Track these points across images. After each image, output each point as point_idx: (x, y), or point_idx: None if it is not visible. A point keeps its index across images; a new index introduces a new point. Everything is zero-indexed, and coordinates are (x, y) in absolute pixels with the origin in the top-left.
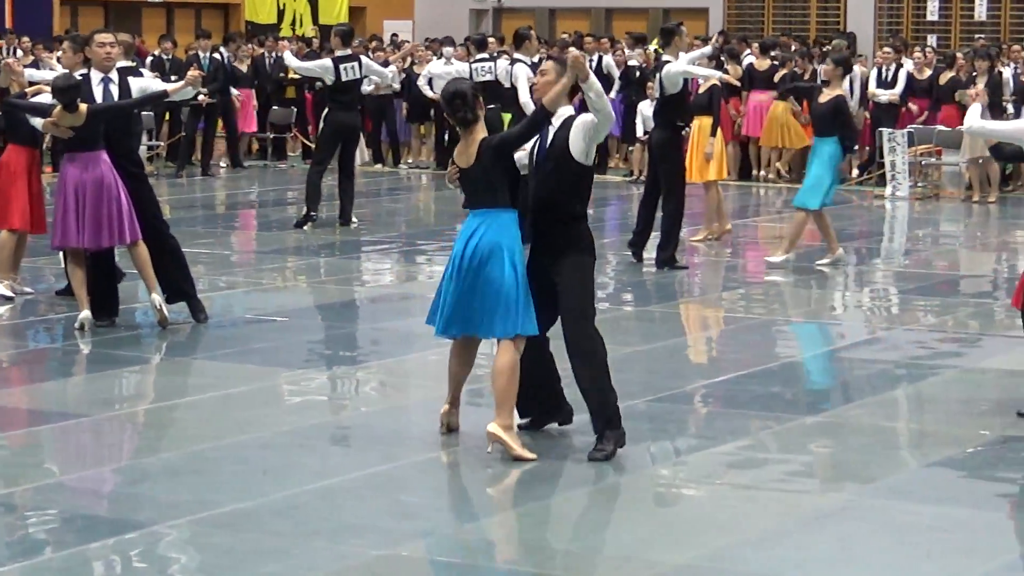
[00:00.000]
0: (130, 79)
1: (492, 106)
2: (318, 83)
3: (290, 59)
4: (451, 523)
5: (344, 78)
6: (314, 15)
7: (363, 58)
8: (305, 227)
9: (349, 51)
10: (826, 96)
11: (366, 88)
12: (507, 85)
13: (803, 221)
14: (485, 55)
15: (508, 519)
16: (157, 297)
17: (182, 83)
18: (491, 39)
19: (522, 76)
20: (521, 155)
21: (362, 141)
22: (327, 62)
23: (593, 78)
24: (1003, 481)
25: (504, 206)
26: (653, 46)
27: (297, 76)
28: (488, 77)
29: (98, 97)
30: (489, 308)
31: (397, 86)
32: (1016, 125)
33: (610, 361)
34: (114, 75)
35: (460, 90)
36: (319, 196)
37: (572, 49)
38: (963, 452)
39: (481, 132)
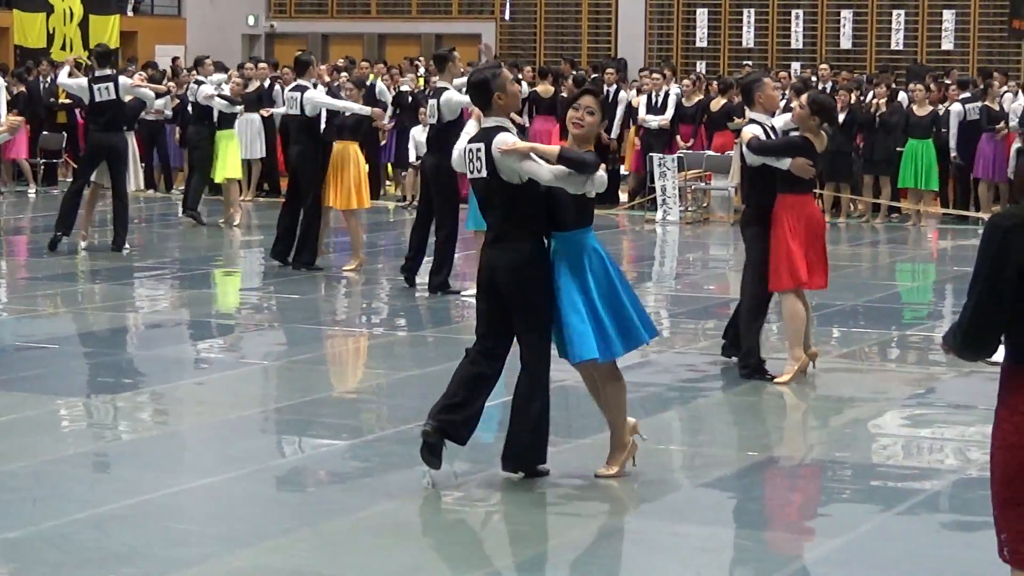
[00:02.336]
0: None
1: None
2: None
3: (61, 75)
4: (224, 550)
5: (97, 98)
6: (84, 39)
7: (121, 79)
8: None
9: (108, 71)
10: None
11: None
12: (295, 111)
13: None
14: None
15: (282, 545)
16: None
17: (3, 128)
18: (263, 65)
19: (319, 96)
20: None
21: (137, 165)
22: (83, 81)
23: None
24: (770, 501)
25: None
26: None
27: (68, 100)
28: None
29: None
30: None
31: (169, 112)
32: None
33: (383, 385)
34: None
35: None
36: (70, 217)
37: None
38: (732, 473)
39: None
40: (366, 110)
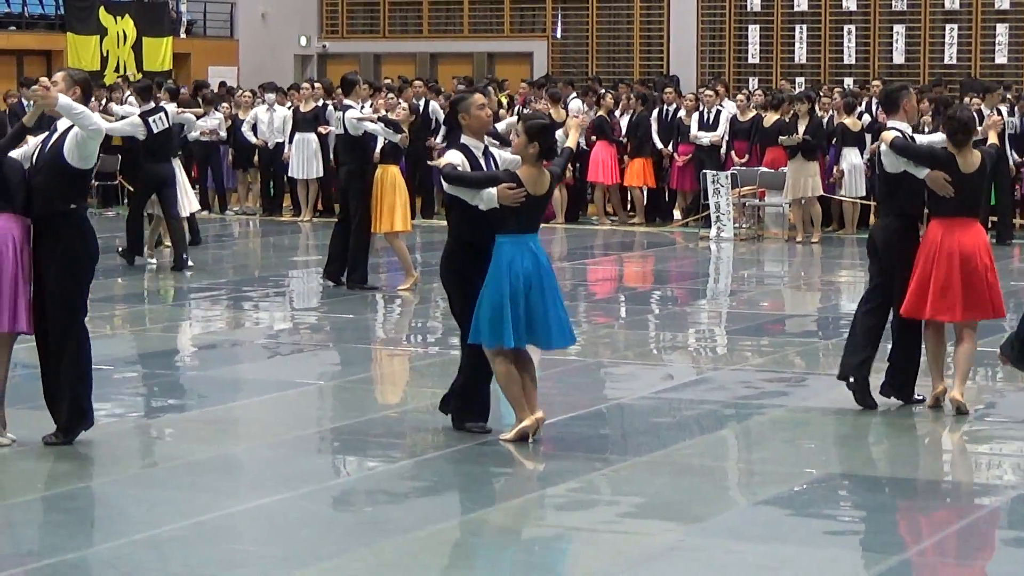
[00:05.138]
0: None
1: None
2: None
3: (100, 122)
4: (281, 570)
5: (155, 130)
6: (138, 62)
7: (167, 107)
8: (150, 262)
9: (152, 104)
10: None
11: (193, 135)
12: (340, 131)
13: None
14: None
15: (339, 565)
16: None
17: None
18: (318, 84)
19: (355, 116)
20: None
21: (188, 189)
22: (136, 119)
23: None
24: (828, 518)
25: None
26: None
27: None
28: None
29: None
30: (560, 318)
31: (223, 134)
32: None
33: (438, 404)
34: None
35: (550, 124)
36: (139, 240)
37: None
38: (790, 490)
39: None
40: (395, 136)
